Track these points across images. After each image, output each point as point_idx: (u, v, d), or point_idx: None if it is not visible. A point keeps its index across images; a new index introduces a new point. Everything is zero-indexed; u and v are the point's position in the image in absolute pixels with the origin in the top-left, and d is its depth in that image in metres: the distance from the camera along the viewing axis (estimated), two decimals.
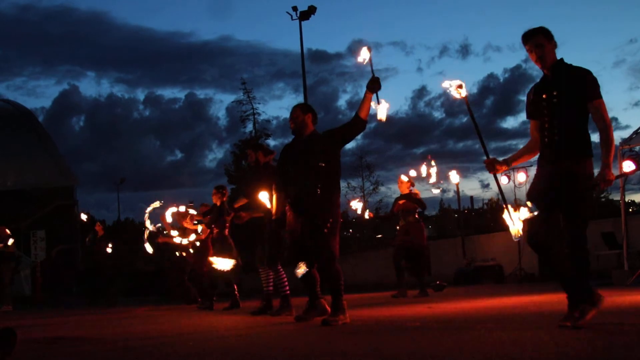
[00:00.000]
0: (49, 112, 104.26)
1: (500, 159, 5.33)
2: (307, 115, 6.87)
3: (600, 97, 4.85)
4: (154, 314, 10.99)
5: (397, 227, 12.05)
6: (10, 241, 16.52)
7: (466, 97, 5.48)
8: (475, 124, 5.48)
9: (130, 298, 20.61)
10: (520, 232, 5.19)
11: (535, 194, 5.10)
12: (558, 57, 5.07)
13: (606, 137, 4.80)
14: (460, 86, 5.44)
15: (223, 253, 10.95)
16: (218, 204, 11.36)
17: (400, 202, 11.72)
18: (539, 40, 5.01)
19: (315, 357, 3.91)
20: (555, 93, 4.94)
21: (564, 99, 4.91)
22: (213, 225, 11.41)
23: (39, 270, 21.69)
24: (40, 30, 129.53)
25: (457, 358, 3.65)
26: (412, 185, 11.80)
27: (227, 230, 11.25)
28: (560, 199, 4.85)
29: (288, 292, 8.31)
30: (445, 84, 5.51)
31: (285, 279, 8.33)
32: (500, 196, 5.79)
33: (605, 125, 4.81)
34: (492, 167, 5.29)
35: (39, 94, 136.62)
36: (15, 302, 19.03)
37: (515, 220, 5.22)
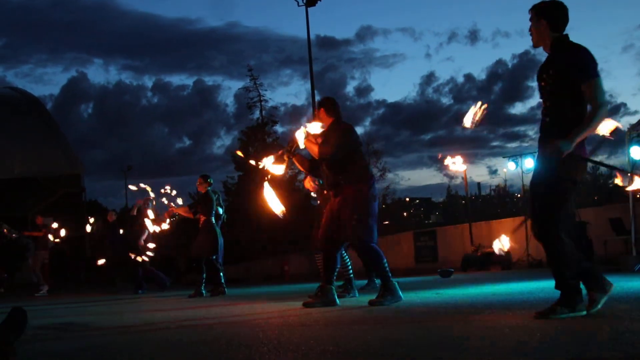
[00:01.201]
0: (57, 100, 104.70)
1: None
2: (320, 110, 7.19)
3: (593, 77, 4.52)
4: (159, 301, 11.02)
5: None
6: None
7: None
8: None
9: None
10: None
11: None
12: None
13: (589, 116, 4.49)
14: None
15: (208, 240, 11.67)
16: (204, 192, 11.94)
17: None
18: (530, 16, 4.81)
19: (321, 346, 3.90)
20: (551, 72, 4.68)
21: (556, 80, 4.63)
22: (200, 213, 11.94)
23: (47, 257, 21.71)
24: (46, 17, 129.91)
25: (465, 344, 3.64)
26: None
27: (213, 217, 11.85)
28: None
29: (352, 275, 8.58)
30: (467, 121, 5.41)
31: (349, 263, 8.59)
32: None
33: (594, 106, 4.48)
34: None
35: (46, 81, 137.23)
36: (23, 289, 19.10)
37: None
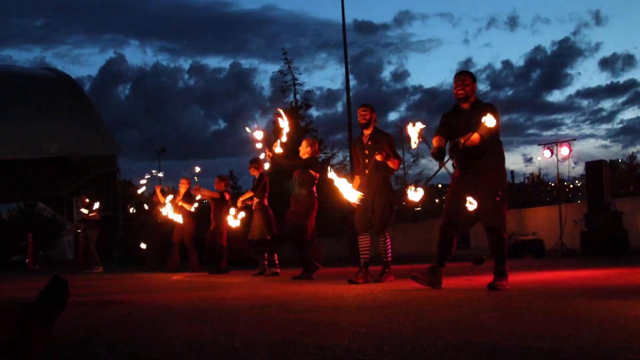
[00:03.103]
0: (96, 81, 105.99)
1: None
2: (475, 84, 6.93)
3: None
4: (191, 279, 11.09)
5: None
6: (96, 205, 16.92)
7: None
8: None
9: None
10: None
11: None
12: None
13: None
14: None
15: (264, 221, 11.95)
16: (257, 175, 12.36)
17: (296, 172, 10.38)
18: None
19: (353, 328, 3.91)
20: None
21: None
22: (255, 196, 12.27)
23: (81, 236, 21.96)
24: None
25: (497, 329, 3.62)
26: (316, 152, 10.32)
27: (266, 200, 12.19)
28: None
29: (390, 259, 8.59)
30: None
31: (390, 247, 8.62)
32: None
33: None
34: None
35: (82, 62, 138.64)
36: (58, 267, 19.32)
37: None
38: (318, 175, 10.03)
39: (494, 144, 6.67)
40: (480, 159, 6.61)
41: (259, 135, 9.56)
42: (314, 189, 10.06)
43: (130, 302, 6.49)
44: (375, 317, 4.47)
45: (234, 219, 12.99)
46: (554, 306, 4.81)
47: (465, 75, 6.89)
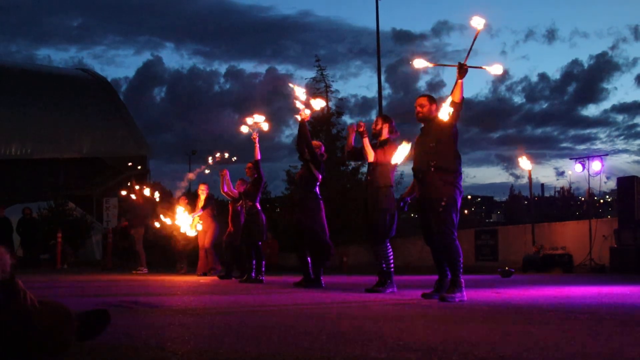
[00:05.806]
0: (133, 82, 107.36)
1: None
2: (433, 105, 7.19)
3: None
4: (219, 285, 11.12)
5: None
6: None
7: None
8: None
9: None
10: None
11: None
12: None
13: None
14: None
15: (253, 225, 11.91)
16: (252, 178, 12.16)
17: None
18: None
19: (382, 339, 3.90)
20: None
21: None
22: (247, 199, 12.15)
23: (110, 236, 22.13)
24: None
25: (528, 344, 3.60)
26: (322, 155, 9.97)
27: (258, 204, 12.09)
28: None
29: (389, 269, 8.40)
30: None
31: (392, 257, 8.41)
32: None
33: None
34: None
35: (118, 63, 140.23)
36: (86, 267, 19.45)
37: None
38: (320, 176, 9.79)
39: (446, 154, 6.84)
40: (428, 167, 6.82)
41: (301, 94, 9.58)
42: (317, 190, 9.77)
43: (157, 305, 6.52)
44: (403, 327, 4.46)
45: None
46: (585, 324, 4.77)
47: (421, 96, 7.30)
